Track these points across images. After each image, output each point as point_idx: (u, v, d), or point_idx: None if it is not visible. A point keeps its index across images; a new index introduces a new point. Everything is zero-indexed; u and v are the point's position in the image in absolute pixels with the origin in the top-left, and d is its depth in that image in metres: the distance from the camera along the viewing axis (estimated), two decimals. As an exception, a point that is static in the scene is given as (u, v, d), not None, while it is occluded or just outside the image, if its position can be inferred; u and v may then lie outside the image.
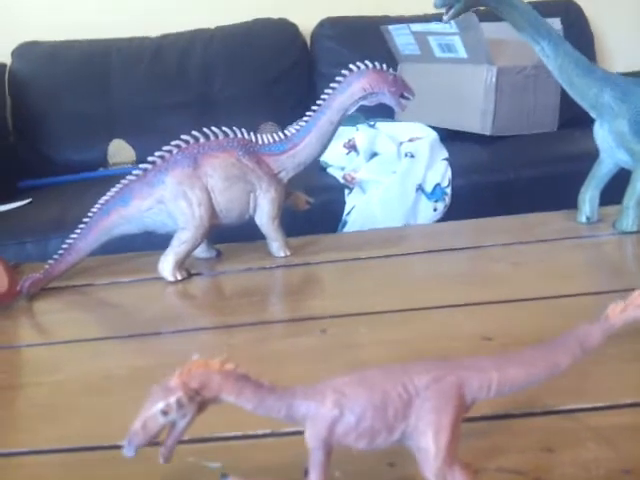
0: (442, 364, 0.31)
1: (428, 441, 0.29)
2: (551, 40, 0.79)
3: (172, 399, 0.28)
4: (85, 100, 2.03)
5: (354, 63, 0.77)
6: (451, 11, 0.77)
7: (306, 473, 0.31)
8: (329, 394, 0.30)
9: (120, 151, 1.93)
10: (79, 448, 0.44)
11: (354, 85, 0.77)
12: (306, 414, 0.30)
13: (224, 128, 0.78)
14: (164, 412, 0.29)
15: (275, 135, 0.80)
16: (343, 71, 0.77)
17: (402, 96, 0.78)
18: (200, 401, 0.29)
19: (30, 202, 1.65)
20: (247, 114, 1.99)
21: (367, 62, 0.77)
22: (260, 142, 0.79)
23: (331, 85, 0.78)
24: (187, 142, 0.77)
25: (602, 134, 0.81)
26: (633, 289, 0.33)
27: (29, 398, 0.54)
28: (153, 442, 0.31)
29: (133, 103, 2.04)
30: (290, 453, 0.39)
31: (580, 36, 2.12)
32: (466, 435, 0.33)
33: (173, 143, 0.77)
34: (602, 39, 2.30)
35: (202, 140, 0.77)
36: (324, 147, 0.81)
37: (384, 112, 1.83)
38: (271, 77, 2.12)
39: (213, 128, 0.78)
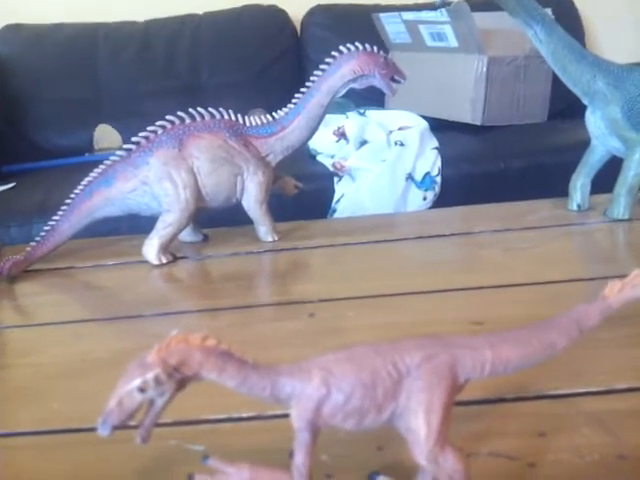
0: (434, 342, 0.30)
1: (419, 422, 0.28)
2: (544, 25, 0.78)
3: (149, 375, 0.27)
4: (71, 84, 1.99)
5: (345, 46, 0.76)
6: (443, -5, 0.76)
7: (291, 455, 0.29)
8: (316, 372, 0.28)
9: (106, 136, 1.91)
10: (59, 430, 0.43)
11: (344, 67, 0.75)
12: (292, 393, 0.28)
13: (211, 109, 0.76)
14: (141, 389, 0.27)
15: (263, 117, 0.79)
16: (333, 53, 0.76)
17: (393, 79, 0.77)
18: (179, 378, 0.28)
19: (14, 186, 1.62)
20: (236, 101, 1.95)
21: (357, 44, 0.75)
22: (248, 124, 0.78)
23: (320, 67, 0.76)
24: (172, 122, 0.75)
25: (594, 121, 0.80)
26: (624, 276, 0.32)
27: (8, 380, 0.53)
28: (131, 424, 0.29)
29: (120, 88, 2.01)
30: (276, 436, 0.38)
31: (571, 28, 2.08)
32: (458, 419, 0.32)
33: (158, 123, 0.75)
34: (593, 31, 2.29)
35: (188, 121, 0.75)
36: (313, 130, 0.80)
37: (374, 100, 1.83)
38: (260, 64, 2.09)
39: (199, 108, 0.76)
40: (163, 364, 0.27)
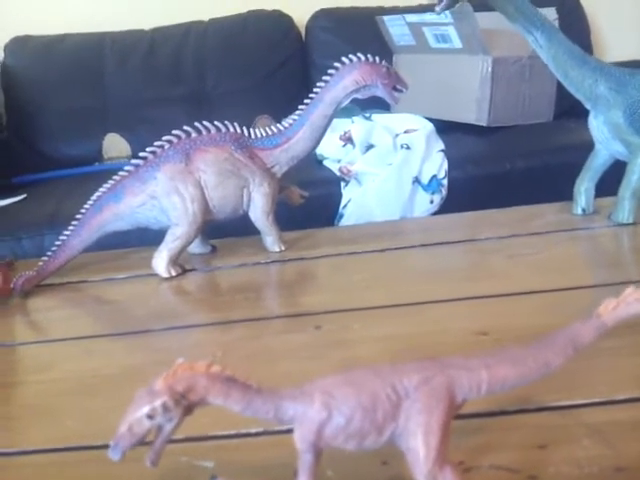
0: (431, 364, 0.31)
1: (418, 442, 0.29)
2: (544, 31, 0.78)
3: (157, 403, 0.28)
4: (79, 94, 2.01)
5: (347, 55, 0.77)
6: (444, 2, 0.77)
7: (295, 474, 0.30)
8: (317, 396, 0.29)
9: (115, 145, 1.92)
10: (71, 448, 0.44)
11: (347, 78, 0.76)
12: (294, 416, 0.29)
13: (216, 122, 0.77)
14: (149, 416, 0.28)
15: (268, 129, 0.80)
16: (336, 64, 0.77)
17: (395, 88, 0.78)
18: (186, 404, 0.29)
19: (25, 198, 1.64)
20: (242, 107, 1.98)
21: (360, 55, 0.76)
22: (253, 136, 0.79)
23: (324, 78, 0.77)
24: (179, 137, 0.76)
25: (597, 125, 0.80)
26: (629, 281, 0.33)
27: (21, 397, 0.54)
28: (143, 442, 0.30)
29: (127, 97, 2.03)
30: (282, 451, 0.38)
31: (576, 25, 2.11)
32: (459, 432, 0.33)
33: (165, 138, 0.76)
34: (598, 28, 2.29)
35: (194, 135, 0.76)
36: (317, 141, 0.81)
37: (380, 104, 1.83)
38: (266, 70, 2.11)
39: (205, 122, 0.77)
40: (170, 391, 0.28)
